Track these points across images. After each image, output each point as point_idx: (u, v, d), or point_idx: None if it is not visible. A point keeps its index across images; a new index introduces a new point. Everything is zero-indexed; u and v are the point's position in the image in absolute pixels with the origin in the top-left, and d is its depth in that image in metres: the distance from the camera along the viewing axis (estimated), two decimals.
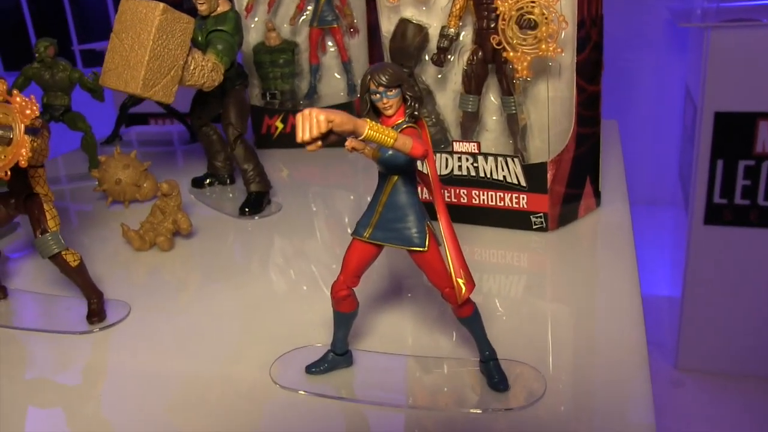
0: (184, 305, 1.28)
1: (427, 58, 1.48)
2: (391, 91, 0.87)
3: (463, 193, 1.47)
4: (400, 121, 0.88)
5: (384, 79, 0.87)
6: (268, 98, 2.08)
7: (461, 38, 1.45)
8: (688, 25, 2.83)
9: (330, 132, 0.76)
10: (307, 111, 0.75)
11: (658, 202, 3.73)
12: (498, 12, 1.32)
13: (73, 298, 1.29)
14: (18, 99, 1.03)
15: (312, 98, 2.11)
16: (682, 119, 3.37)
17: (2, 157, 1.06)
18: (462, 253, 0.92)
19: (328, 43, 2.09)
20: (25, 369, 1.12)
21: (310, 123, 0.75)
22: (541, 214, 1.42)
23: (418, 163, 0.93)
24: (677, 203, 3.31)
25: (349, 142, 0.86)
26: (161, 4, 1.33)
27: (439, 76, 1.49)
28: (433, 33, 1.47)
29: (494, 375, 0.94)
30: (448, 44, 1.44)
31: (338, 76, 2.11)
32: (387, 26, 1.48)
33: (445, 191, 1.48)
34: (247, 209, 1.62)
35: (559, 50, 1.30)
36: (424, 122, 0.92)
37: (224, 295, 1.30)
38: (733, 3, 3.00)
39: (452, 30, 1.43)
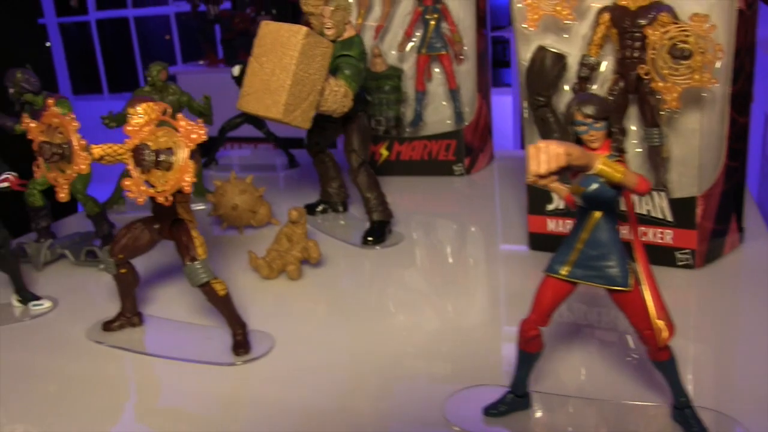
0: (324, 336, 1.24)
1: (566, 87, 1.43)
2: (599, 123, 0.83)
3: None
4: (607, 155, 0.84)
5: (592, 111, 0.83)
6: (373, 125, 2.04)
7: (602, 67, 1.41)
8: None
9: (566, 166, 0.72)
10: (542, 143, 0.71)
11: None
12: (646, 41, 1.27)
13: (211, 328, 1.26)
14: (183, 123, 1.01)
15: (417, 125, 2.07)
16: None
17: (163, 182, 1.04)
18: (661, 294, 0.86)
19: (435, 70, 2.05)
20: (159, 397, 1.09)
21: (547, 156, 0.70)
22: (689, 251, 1.36)
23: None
24: None
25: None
26: (304, 28, 1.30)
27: None
28: (571, 62, 1.42)
29: (692, 424, 0.89)
30: (588, 73, 1.40)
31: (444, 104, 2.07)
32: (524, 54, 1.44)
33: None
34: (370, 238, 1.58)
35: (714, 81, 1.24)
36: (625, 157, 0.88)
37: (361, 327, 1.26)
38: None
39: (593, 59, 1.39)
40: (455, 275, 1.49)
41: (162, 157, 1.02)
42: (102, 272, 1.56)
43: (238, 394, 1.10)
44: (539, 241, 1.49)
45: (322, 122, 1.64)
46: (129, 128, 1.05)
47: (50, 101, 1.10)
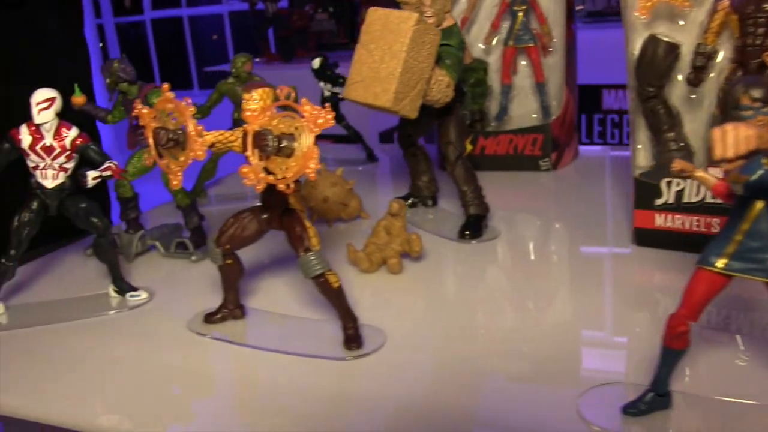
0: (427, 333, 1.20)
1: (680, 77, 1.37)
2: (767, 107, 0.78)
3: (716, 222, 1.36)
4: None
5: (761, 94, 0.77)
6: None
7: (718, 56, 1.35)
8: None
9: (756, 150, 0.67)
10: (730, 126, 0.66)
11: None
12: None
13: (318, 321, 1.22)
14: (308, 108, 0.97)
15: (502, 119, 2.03)
16: None
17: (283, 168, 1.01)
18: None
19: (522, 63, 2.00)
20: (260, 392, 1.06)
21: (736, 139, 0.65)
22: None
23: None
24: None
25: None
26: (415, 14, 1.27)
27: (693, 96, 1.38)
28: (685, 51, 1.37)
29: None
30: (704, 62, 1.34)
31: (530, 97, 2.02)
32: (633, 44, 1.39)
33: (695, 219, 1.37)
34: (467, 233, 1.54)
35: None
36: None
37: (463, 323, 1.22)
38: None
39: (709, 47, 1.33)
40: (560, 272, 1.44)
41: (284, 143, 0.99)
42: (193, 264, 1.54)
43: (344, 390, 1.05)
44: (645, 237, 1.43)
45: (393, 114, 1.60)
46: (247, 114, 1.02)
47: (165, 86, 1.08)
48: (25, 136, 1.27)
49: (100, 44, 6.39)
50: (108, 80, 1.50)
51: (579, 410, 0.93)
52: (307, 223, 1.12)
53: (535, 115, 2.02)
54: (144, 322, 1.31)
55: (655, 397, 0.90)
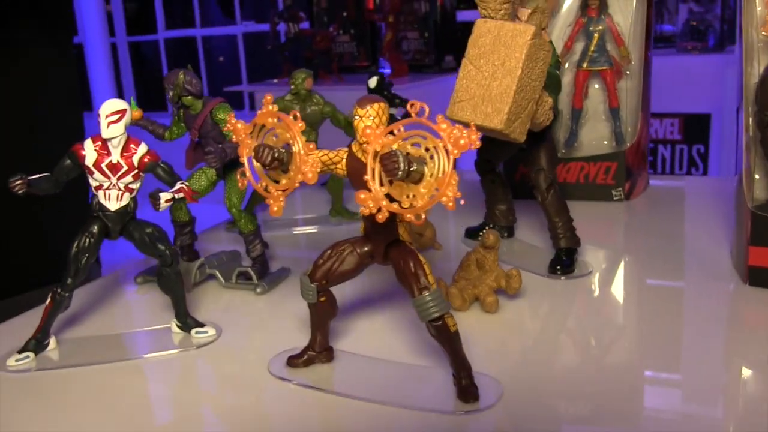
0: (541, 379, 1.06)
1: None
2: None
3: None
4: None
5: None
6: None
7: None
8: None
9: None
10: None
11: None
12: None
13: (421, 367, 1.09)
14: (445, 125, 0.84)
15: (572, 146, 1.90)
16: None
17: (410, 196, 0.87)
18: None
19: (595, 86, 1.88)
20: None
21: None
22: None
23: None
24: None
25: None
26: (532, 27, 1.14)
27: None
28: None
29: None
30: None
31: (603, 123, 1.90)
32: (751, 66, 1.27)
33: None
34: (558, 268, 1.40)
35: None
36: None
37: (573, 367, 1.08)
38: None
39: None
40: (665, 312, 1.30)
41: (414, 166, 0.85)
42: (258, 296, 1.40)
43: None
44: (762, 276, 1.30)
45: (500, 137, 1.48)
46: (368, 131, 0.89)
47: (268, 97, 0.95)
48: (89, 152, 1.14)
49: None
50: (171, 93, 1.37)
51: None
52: (422, 258, 0.98)
53: (606, 142, 1.90)
54: (214, 363, 1.17)
55: None
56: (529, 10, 1.33)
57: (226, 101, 1.40)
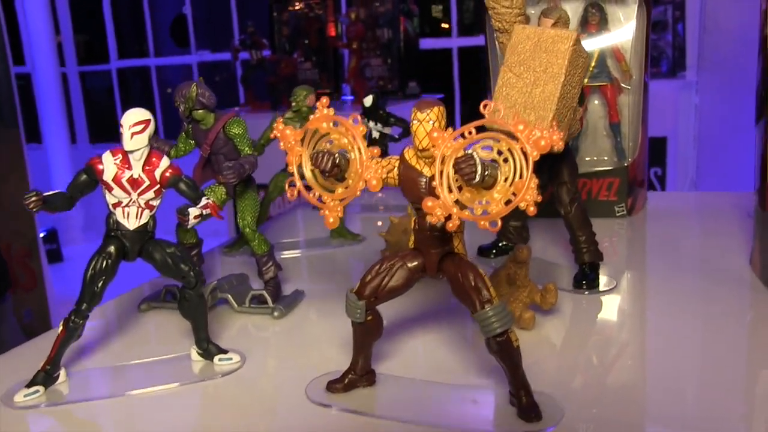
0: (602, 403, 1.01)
1: None
2: None
3: None
4: None
5: None
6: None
7: None
8: None
9: None
10: None
11: None
12: None
13: (472, 389, 1.03)
14: (521, 126, 0.80)
15: None
16: None
17: (482, 202, 0.83)
18: None
19: (595, 102, 1.87)
20: None
21: None
22: None
23: None
24: None
25: None
26: (574, 32, 1.11)
27: None
28: None
29: None
30: None
31: (602, 139, 1.88)
32: None
33: None
34: (584, 283, 1.37)
35: None
36: None
37: (605, 382, 1.04)
38: None
39: None
40: (686, 325, 1.27)
41: (489, 170, 0.80)
42: (275, 320, 1.33)
43: None
44: None
45: None
46: (435, 135, 0.84)
47: (324, 99, 0.89)
48: (108, 166, 1.06)
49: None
50: (182, 107, 1.30)
51: None
52: (482, 271, 0.93)
53: (606, 158, 1.88)
54: (244, 392, 1.09)
55: None
56: (552, 20, 1.30)
57: (240, 115, 1.34)
